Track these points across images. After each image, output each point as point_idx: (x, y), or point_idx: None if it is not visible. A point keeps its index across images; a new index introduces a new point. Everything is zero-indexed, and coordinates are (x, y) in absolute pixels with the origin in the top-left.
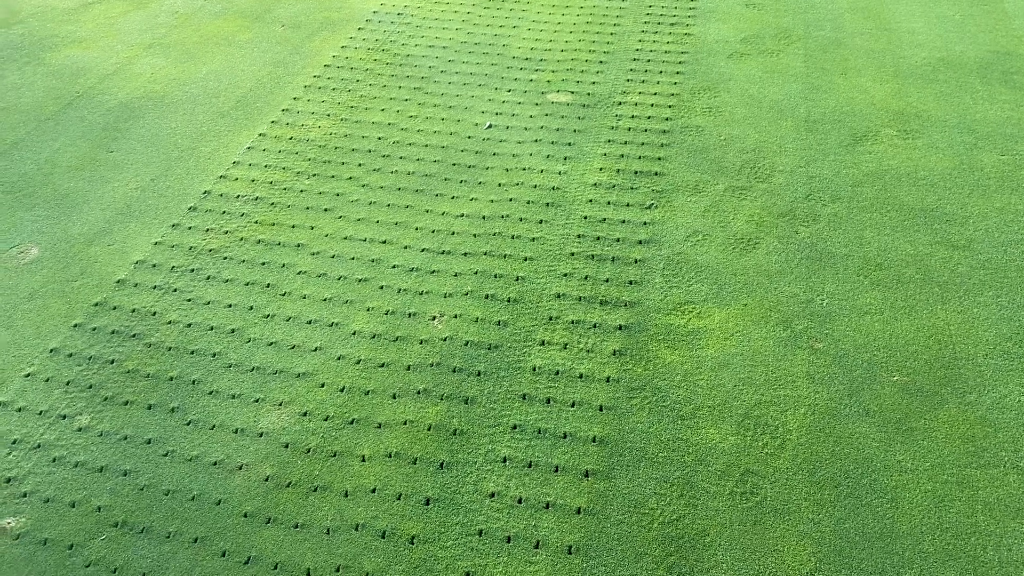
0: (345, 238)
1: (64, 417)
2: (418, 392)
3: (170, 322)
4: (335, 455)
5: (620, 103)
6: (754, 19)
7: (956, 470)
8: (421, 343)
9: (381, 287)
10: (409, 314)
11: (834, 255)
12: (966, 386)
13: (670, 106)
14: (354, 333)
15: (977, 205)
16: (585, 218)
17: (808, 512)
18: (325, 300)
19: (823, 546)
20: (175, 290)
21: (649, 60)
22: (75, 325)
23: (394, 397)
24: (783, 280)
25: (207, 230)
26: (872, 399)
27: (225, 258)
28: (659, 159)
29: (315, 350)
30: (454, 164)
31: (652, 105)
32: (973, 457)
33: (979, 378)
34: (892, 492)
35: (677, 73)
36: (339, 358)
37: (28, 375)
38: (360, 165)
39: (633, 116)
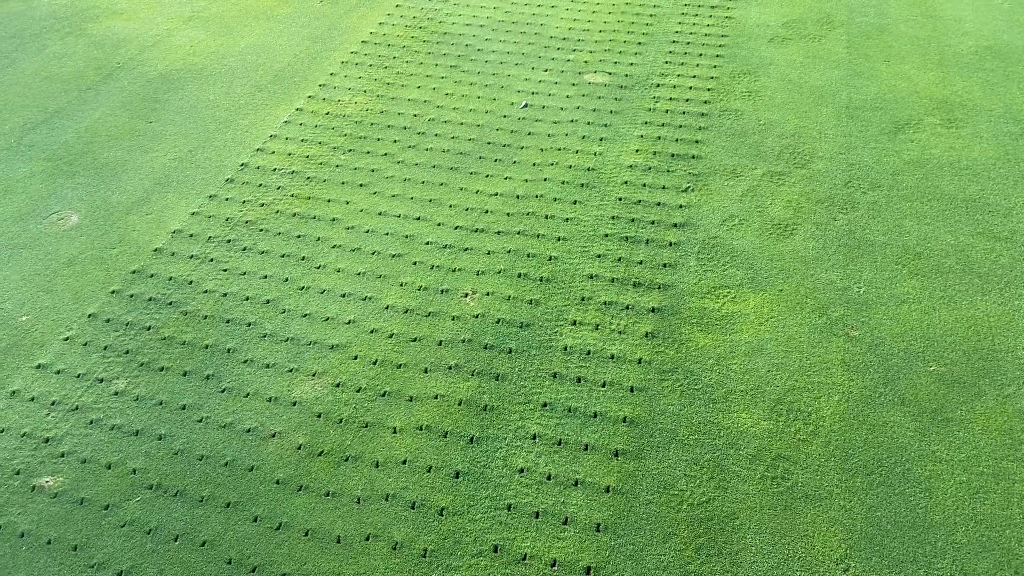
0: (380, 214)
1: (101, 381)
2: (449, 367)
3: (206, 291)
4: (367, 426)
5: (658, 85)
6: (796, 3)
7: (992, 462)
8: (453, 319)
9: (414, 263)
10: (442, 290)
11: (872, 243)
12: (1005, 378)
13: (709, 89)
14: (387, 307)
15: (1021, 196)
16: (620, 200)
17: (840, 499)
18: (359, 274)
19: (854, 533)
20: (212, 260)
21: (688, 43)
22: (113, 291)
23: (426, 371)
24: (820, 267)
25: (244, 202)
26: (908, 388)
27: (261, 230)
28: (696, 142)
29: (349, 323)
30: (489, 143)
31: (691, 88)
32: (1010, 450)
33: (1019, 371)
34: (926, 482)
35: (717, 56)
36: (372, 331)
37: (67, 339)
38: (395, 142)
39: (671, 99)
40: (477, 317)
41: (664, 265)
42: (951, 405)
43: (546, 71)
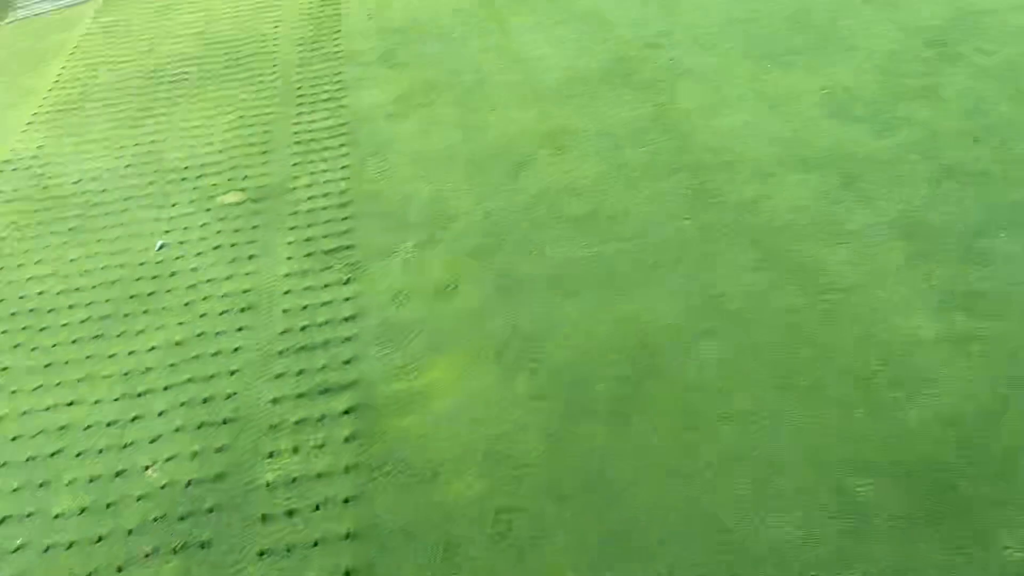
0: (23, 413)
1: None
2: (147, 555)
3: None
4: None
5: (294, 188)
6: (400, 78)
7: (677, 438)
8: (139, 500)
9: (78, 454)
10: (117, 473)
11: (524, 278)
12: (667, 364)
13: (344, 179)
14: (57, 516)
15: (632, 199)
16: (285, 311)
17: (561, 531)
18: (15, 491)
19: (583, 561)
20: None
21: (311, 139)
22: None
23: (120, 571)
24: (487, 314)
25: None
26: (590, 403)
27: None
28: (346, 232)
29: (17, 550)
30: (131, 296)
31: (326, 182)
32: (690, 419)
33: (675, 351)
34: (630, 485)
35: (342, 146)
36: (47, 550)
37: None
38: (24, 329)
39: (310, 198)
40: (164, 488)
41: (346, 362)
42: (629, 403)
43: (174, 205)
